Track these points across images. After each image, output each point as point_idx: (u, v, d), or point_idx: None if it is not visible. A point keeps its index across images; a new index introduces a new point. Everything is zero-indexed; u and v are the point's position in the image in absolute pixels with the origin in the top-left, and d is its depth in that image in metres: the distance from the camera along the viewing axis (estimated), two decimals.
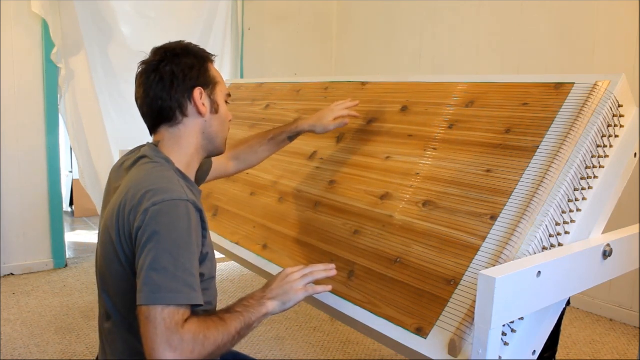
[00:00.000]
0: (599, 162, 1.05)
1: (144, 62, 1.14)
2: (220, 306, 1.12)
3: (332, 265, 1.12)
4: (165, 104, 1.11)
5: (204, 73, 1.14)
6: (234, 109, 2.17)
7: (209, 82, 1.15)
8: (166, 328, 0.87)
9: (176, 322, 0.88)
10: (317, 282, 1.09)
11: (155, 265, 0.90)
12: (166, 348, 0.85)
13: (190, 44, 1.18)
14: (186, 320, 0.90)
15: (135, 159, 1.12)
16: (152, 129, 1.16)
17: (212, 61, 1.19)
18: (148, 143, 1.16)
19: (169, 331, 0.87)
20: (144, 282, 0.89)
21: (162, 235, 0.92)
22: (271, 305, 1.02)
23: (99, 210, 3.23)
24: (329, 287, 1.10)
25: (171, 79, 1.10)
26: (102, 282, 1.07)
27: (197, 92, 1.12)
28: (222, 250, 1.59)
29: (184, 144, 1.13)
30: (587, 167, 1.04)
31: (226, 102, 1.21)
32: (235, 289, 3.12)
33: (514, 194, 1.05)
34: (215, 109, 1.16)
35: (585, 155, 1.03)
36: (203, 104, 1.13)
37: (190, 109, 1.12)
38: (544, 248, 0.98)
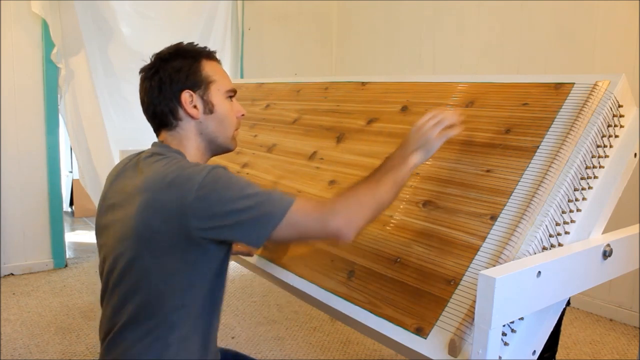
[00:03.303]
0: (599, 162, 1.05)
1: (142, 70, 1.15)
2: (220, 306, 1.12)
3: (458, 113, 1.15)
4: (157, 109, 1.12)
5: (194, 74, 1.12)
6: None
7: (200, 83, 1.13)
8: (312, 211, 0.96)
9: (310, 203, 0.97)
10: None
11: (246, 209, 0.94)
12: (329, 220, 0.94)
13: (181, 44, 1.16)
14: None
15: (143, 157, 1.11)
16: (156, 133, 1.17)
17: (209, 58, 1.16)
18: (155, 142, 1.16)
19: (316, 210, 0.96)
20: (255, 222, 0.94)
21: (227, 193, 0.95)
22: (415, 157, 1.07)
23: None
24: (461, 128, 1.13)
25: (159, 85, 1.11)
26: (134, 284, 1.01)
27: (185, 95, 1.11)
28: None
29: (187, 145, 1.14)
30: (587, 167, 1.04)
31: (231, 98, 1.18)
32: (235, 289, 3.12)
33: (514, 194, 1.05)
34: (209, 109, 1.14)
35: (585, 155, 1.03)
36: (194, 106, 1.12)
37: (181, 112, 1.12)
38: (544, 248, 0.98)
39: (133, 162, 1.13)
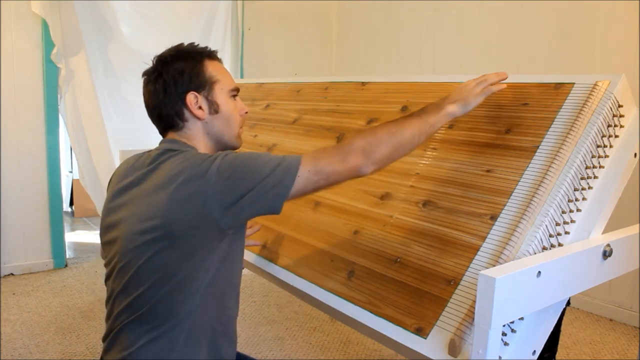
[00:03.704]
0: (599, 162, 1.05)
1: (144, 73, 1.15)
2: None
3: (503, 73, 1.16)
4: (163, 112, 1.13)
5: (197, 75, 1.12)
6: None
7: (204, 84, 1.13)
8: (330, 154, 0.99)
9: (327, 148, 1.01)
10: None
11: (263, 180, 0.96)
12: (348, 156, 0.98)
13: (182, 45, 1.16)
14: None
15: (155, 155, 1.10)
16: (162, 135, 1.17)
17: (211, 58, 1.16)
18: (164, 140, 1.16)
19: (333, 152, 0.99)
20: (270, 189, 0.96)
21: (244, 174, 0.97)
22: (452, 107, 1.09)
23: (99, 210, 3.23)
24: (504, 85, 1.15)
25: (164, 88, 1.11)
26: (151, 281, 1.01)
27: (190, 97, 1.11)
28: None
29: (194, 144, 1.14)
30: (587, 167, 1.04)
31: (234, 96, 1.19)
32: None
33: (514, 194, 1.05)
34: (214, 110, 1.14)
35: (585, 155, 1.03)
36: (199, 107, 1.12)
37: (187, 114, 1.12)
38: (544, 248, 0.98)
39: (141, 162, 1.12)
